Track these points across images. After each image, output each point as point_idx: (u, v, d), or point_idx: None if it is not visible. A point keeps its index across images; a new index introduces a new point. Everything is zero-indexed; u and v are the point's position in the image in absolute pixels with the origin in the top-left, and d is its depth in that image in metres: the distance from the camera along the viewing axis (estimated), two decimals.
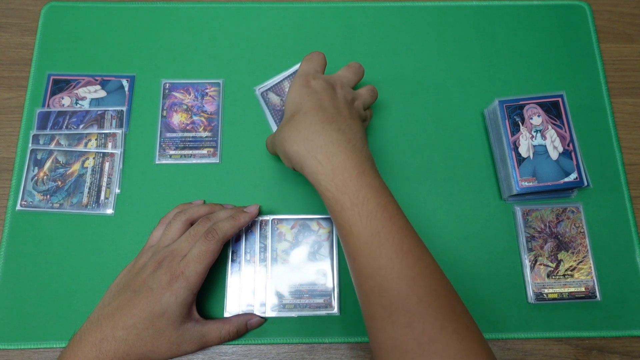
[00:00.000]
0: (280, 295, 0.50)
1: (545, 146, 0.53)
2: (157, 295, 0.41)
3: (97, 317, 0.42)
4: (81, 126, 0.56)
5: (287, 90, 0.54)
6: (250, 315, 0.49)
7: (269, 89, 0.54)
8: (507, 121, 0.54)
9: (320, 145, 0.41)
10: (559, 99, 0.54)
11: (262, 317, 0.50)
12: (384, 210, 0.39)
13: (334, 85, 0.46)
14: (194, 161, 0.55)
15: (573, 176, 0.52)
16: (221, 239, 0.45)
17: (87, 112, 0.57)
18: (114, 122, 0.56)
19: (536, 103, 0.54)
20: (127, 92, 0.58)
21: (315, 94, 0.44)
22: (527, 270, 0.52)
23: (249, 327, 0.49)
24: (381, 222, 0.38)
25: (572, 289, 0.51)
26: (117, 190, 0.54)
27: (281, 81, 0.55)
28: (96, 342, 0.40)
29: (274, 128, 0.56)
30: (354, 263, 0.39)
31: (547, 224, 0.53)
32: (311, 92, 0.44)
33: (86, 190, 0.54)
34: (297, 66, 0.57)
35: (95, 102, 0.57)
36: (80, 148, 0.55)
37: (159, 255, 0.45)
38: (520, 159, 0.52)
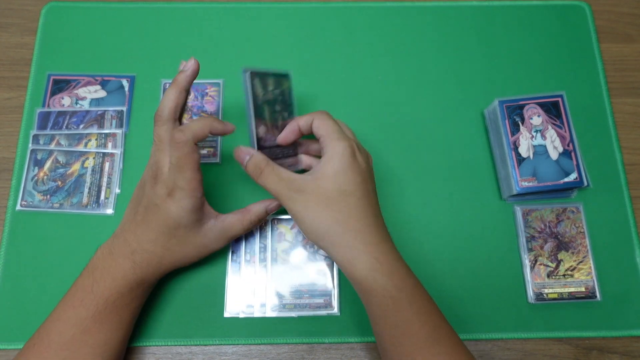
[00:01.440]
0: (280, 295, 0.50)
1: (545, 146, 0.53)
2: (164, 210, 0.42)
3: (121, 233, 0.44)
4: (81, 126, 0.56)
5: (269, 86, 0.47)
6: (268, 201, 0.48)
7: (257, 74, 0.46)
8: (507, 121, 0.54)
9: (376, 242, 0.41)
10: (559, 99, 0.54)
11: (277, 202, 0.48)
12: (432, 305, 0.41)
13: (368, 156, 0.46)
14: None
15: (573, 176, 0.52)
16: (190, 139, 0.41)
17: (87, 112, 0.57)
18: (114, 122, 0.56)
19: (536, 103, 0.54)
20: (127, 92, 0.58)
21: (362, 173, 0.43)
22: (527, 270, 0.52)
23: (269, 211, 0.48)
24: (435, 319, 0.40)
25: (572, 289, 0.51)
26: (117, 190, 0.54)
27: (268, 75, 0.47)
28: (128, 255, 0.42)
29: (252, 119, 0.45)
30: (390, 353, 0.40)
31: (547, 224, 0.53)
32: (360, 171, 0.43)
33: (86, 190, 0.54)
34: (286, 71, 0.50)
35: (95, 102, 0.57)
36: (80, 148, 0.55)
37: (151, 170, 0.44)
38: (520, 159, 0.52)
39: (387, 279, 0.40)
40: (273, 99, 0.47)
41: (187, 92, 0.44)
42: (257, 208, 0.47)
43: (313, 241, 0.44)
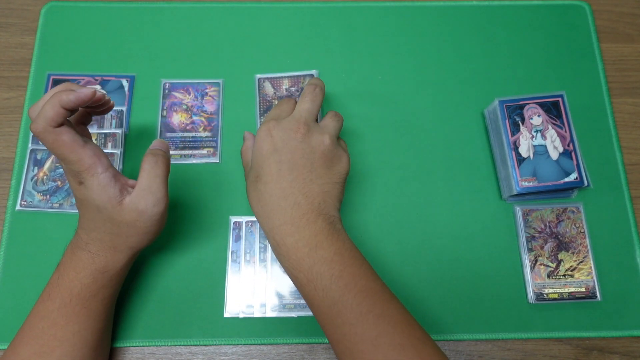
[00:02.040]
0: (280, 296, 0.50)
1: (545, 146, 0.53)
2: (82, 198, 0.42)
3: (77, 229, 0.45)
4: None
5: (283, 85, 0.57)
6: (157, 142, 0.46)
7: (266, 78, 0.58)
8: (507, 121, 0.54)
9: (277, 225, 0.42)
10: (559, 99, 0.54)
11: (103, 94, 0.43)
12: (338, 280, 0.40)
13: (297, 131, 0.44)
14: (194, 161, 0.55)
15: (573, 176, 0.52)
16: (45, 125, 0.38)
17: None
18: (114, 122, 0.56)
19: (536, 103, 0.54)
20: (127, 92, 0.58)
21: (275, 153, 0.43)
22: (527, 270, 0.51)
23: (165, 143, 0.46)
24: (337, 292, 0.40)
25: (573, 289, 0.51)
26: None
27: (281, 77, 0.58)
28: (83, 247, 0.43)
29: (258, 117, 0.57)
30: (323, 329, 0.41)
31: (547, 224, 0.53)
32: (273, 151, 0.43)
33: None
34: (301, 72, 0.58)
35: None
36: None
37: None
38: (520, 159, 0.52)
39: (285, 260, 0.42)
40: (289, 96, 0.54)
41: (71, 110, 0.39)
42: (150, 153, 0.44)
43: None
